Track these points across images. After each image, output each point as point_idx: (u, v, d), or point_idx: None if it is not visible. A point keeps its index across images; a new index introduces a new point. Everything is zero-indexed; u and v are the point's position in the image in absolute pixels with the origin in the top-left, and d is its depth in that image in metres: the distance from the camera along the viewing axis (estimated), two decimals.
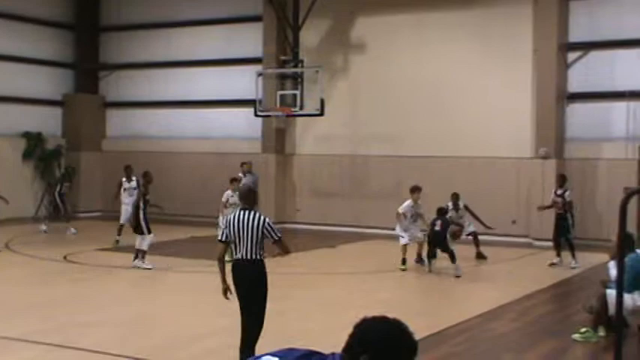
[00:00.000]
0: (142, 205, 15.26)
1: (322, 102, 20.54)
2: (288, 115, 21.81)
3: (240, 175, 20.01)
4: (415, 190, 16.02)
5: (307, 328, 10.34)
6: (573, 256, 15.98)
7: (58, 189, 21.29)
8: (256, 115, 21.71)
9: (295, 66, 21.92)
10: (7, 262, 16.36)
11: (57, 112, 26.14)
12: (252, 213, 7.93)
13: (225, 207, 15.90)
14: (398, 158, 21.53)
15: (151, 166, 23.02)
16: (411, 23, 21.52)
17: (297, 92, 21.39)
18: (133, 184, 18.52)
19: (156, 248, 17.91)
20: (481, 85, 20.64)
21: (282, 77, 22.67)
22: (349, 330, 3.00)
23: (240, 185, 7.93)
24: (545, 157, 19.60)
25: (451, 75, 20.94)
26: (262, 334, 8.22)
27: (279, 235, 8.06)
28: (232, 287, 8.22)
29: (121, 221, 18.21)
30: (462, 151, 20.75)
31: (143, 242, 15.15)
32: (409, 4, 21.57)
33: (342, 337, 3.02)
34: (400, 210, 15.83)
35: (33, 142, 24.76)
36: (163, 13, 25.42)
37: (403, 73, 21.58)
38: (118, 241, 18.08)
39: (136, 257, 15.13)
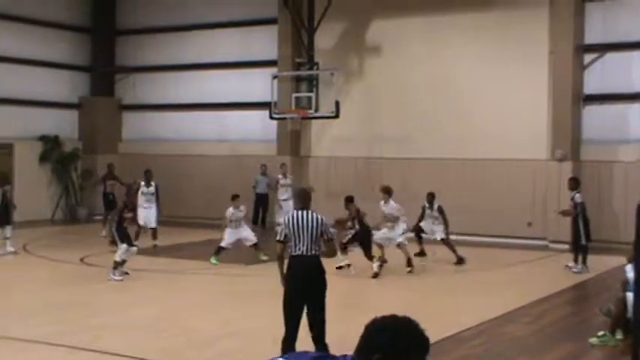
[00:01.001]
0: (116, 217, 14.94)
1: (337, 104, 20.55)
2: (303, 118, 21.82)
3: (280, 176, 20.18)
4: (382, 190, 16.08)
5: None
6: (582, 260, 15.76)
7: (102, 187, 21.34)
8: (272, 118, 21.75)
9: (310, 68, 21.94)
10: (25, 264, 16.48)
11: (73, 115, 26.30)
12: (309, 212, 8.33)
13: (226, 225, 16.07)
14: (413, 160, 21.50)
15: (166, 169, 23.25)
16: (427, 25, 21.48)
17: (313, 95, 21.41)
18: (152, 189, 18.56)
19: (172, 251, 18.01)
20: (497, 88, 20.58)
21: (298, 80, 22.68)
22: (356, 335, 3.00)
23: (298, 189, 8.44)
24: (561, 160, 19.50)
25: (467, 77, 20.88)
26: (276, 337, 8.21)
27: (332, 235, 8.47)
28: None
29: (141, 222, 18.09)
30: (477, 153, 20.69)
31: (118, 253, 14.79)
32: (425, 6, 21.54)
33: (356, 341, 3.03)
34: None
35: (50, 145, 24.93)
36: (179, 16, 25.52)
37: (418, 75, 21.54)
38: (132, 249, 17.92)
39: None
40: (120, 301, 12.90)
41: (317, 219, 8.29)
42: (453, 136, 21.02)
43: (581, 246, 15.81)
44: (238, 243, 16.38)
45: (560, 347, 9.94)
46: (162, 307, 12.24)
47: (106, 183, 21.11)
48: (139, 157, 24.94)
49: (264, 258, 15.78)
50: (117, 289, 13.87)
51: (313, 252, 8.24)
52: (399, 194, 21.64)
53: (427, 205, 17.30)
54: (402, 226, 15.87)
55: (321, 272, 8.29)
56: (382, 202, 15.86)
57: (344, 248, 14.99)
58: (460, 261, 16.63)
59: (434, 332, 8.88)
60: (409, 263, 15.50)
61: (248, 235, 16.52)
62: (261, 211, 22.41)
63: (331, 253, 8.61)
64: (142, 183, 18.55)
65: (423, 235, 17.26)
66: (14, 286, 14.41)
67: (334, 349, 8.41)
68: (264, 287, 14.46)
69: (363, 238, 15.27)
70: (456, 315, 11.61)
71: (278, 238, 8.46)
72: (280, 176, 20.55)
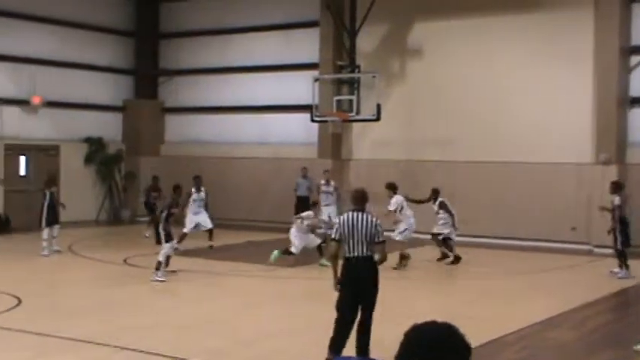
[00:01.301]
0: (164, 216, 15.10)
1: (378, 107, 20.52)
2: (344, 121, 21.84)
3: (323, 182, 20.23)
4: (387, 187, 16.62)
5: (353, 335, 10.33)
6: (620, 264, 15.54)
7: (145, 198, 21.71)
8: (313, 121, 21.80)
9: (352, 71, 21.95)
10: (70, 265, 16.75)
11: (118, 117, 26.66)
12: (364, 214, 8.45)
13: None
14: (454, 163, 21.38)
15: (208, 171, 23.41)
16: (469, 27, 21.37)
17: (354, 97, 21.41)
18: (202, 194, 18.67)
19: (213, 252, 18.15)
20: (540, 90, 20.38)
21: (339, 82, 22.70)
22: (398, 340, 3.00)
23: (355, 189, 8.55)
24: (606, 163, 19.22)
25: (509, 79, 20.72)
26: (315, 341, 8.26)
27: (384, 238, 8.52)
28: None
29: (185, 230, 18.22)
30: (520, 156, 20.50)
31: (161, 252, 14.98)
32: (467, 8, 21.42)
33: (391, 347, 3.02)
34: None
35: (94, 147, 25.30)
36: (221, 19, 25.72)
37: (460, 77, 21.44)
38: (177, 249, 18.11)
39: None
40: (164, 301, 13.05)
41: (371, 221, 8.41)
42: (495, 138, 20.87)
43: (618, 251, 15.57)
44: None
45: (603, 354, 9.81)
46: (205, 307, 12.34)
47: (150, 194, 21.39)
48: (181, 160, 25.21)
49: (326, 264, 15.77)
50: (161, 290, 14.03)
51: (367, 253, 8.37)
52: (443, 195, 21.57)
53: (432, 201, 17.42)
54: (401, 225, 16.32)
55: (373, 274, 8.41)
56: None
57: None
58: (456, 260, 16.81)
59: (476, 336, 8.87)
60: (401, 258, 15.84)
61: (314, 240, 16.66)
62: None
63: (382, 256, 8.61)
64: (193, 190, 18.64)
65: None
66: (60, 286, 14.68)
67: (374, 354, 8.42)
68: (307, 289, 14.54)
69: None
70: (498, 319, 11.52)
71: (333, 236, 8.60)
72: (323, 182, 20.51)
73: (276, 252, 16.17)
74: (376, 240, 8.44)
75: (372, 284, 8.42)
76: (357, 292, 8.44)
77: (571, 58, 20.03)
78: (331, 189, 20.21)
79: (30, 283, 14.11)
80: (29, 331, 10.13)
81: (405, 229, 16.38)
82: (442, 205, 17.28)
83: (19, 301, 12.08)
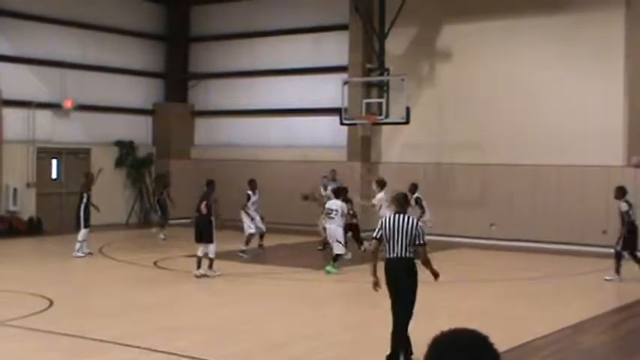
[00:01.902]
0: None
1: (408, 110, 20.47)
2: (373, 124, 21.82)
3: (329, 180, 20.14)
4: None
5: (384, 338, 10.30)
6: (615, 267, 15.15)
7: (158, 195, 22.29)
8: (342, 124, 21.80)
9: (381, 74, 21.94)
10: (100, 267, 16.89)
11: (148, 120, 26.86)
12: (405, 216, 8.73)
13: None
14: (484, 166, 21.27)
15: (237, 174, 23.51)
16: (498, 29, 21.25)
17: (383, 100, 21.40)
18: (256, 197, 18.74)
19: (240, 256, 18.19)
20: (571, 92, 20.20)
21: (368, 85, 22.72)
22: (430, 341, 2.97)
23: (396, 193, 8.94)
24: (637, 166, 19.00)
25: (539, 81, 20.56)
26: (345, 341, 8.25)
27: (425, 241, 8.75)
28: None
29: (252, 231, 18.34)
30: (550, 159, 20.33)
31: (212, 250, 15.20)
32: (496, 10, 21.30)
33: (423, 350, 3.00)
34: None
35: (125, 150, 25.52)
36: (250, 23, 25.82)
37: (489, 80, 21.31)
38: (245, 251, 18.21)
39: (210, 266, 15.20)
40: (194, 304, 13.11)
41: (412, 223, 8.68)
42: (525, 141, 20.72)
43: (616, 252, 15.28)
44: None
45: (635, 359, 9.68)
46: (236, 310, 12.38)
47: (163, 193, 22.16)
48: (211, 163, 25.33)
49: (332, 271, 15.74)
50: (191, 293, 14.10)
51: (407, 254, 8.61)
52: (470, 199, 21.49)
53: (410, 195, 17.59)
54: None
55: (412, 274, 8.64)
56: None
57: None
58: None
59: (506, 340, 8.79)
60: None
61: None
62: None
63: (423, 258, 8.79)
64: (250, 192, 18.71)
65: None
66: (91, 288, 14.80)
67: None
68: (337, 292, 14.53)
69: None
70: (528, 323, 11.42)
71: (374, 235, 8.87)
72: (329, 181, 20.21)
73: (328, 267, 15.80)
74: (417, 242, 8.66)
75: (409, 286, 8.63)
76: (397, 290, 8.71)
77: (601, 59, 19.83)
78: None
79: (61, 285, 14.25)
80: (60, 333, 10.23)
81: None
82: (417, 201, 17.64)
83: (51, 303, 12.21)
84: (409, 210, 14.81)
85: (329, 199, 17.62)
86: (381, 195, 17.33)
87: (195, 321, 11.38)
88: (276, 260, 17.57)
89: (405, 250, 8.60)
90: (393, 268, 8.68)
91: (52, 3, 23.64)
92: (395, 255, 8.62)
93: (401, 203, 8.95)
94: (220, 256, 17.35)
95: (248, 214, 18.21)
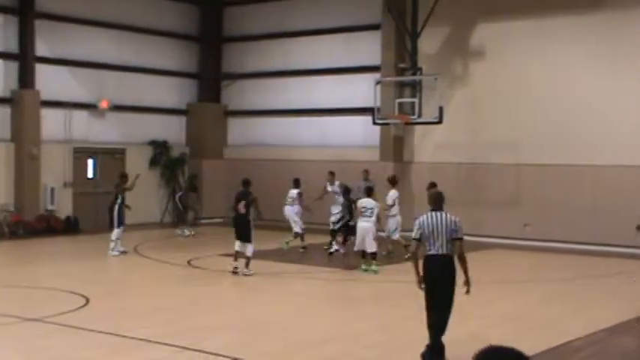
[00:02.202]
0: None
1: (441, 109, 20.40)
2: (406, 123, 21.78)
3: (328, 183, 20.17)
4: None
5: (418, 339, 10.28)
6: None
7: (178, 194, 22.96)
8: (375, 123, 21.79)
9: (414, 74, 21.88)
10: (135, 266, 17.06)
11: (181, 120, 27.05)
12: (443, 214, 8.86)
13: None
14: (517, 166, 21.11)
15: (270, 174, 23.61)
16: (532, 28, 21.07)
17: (416, 100, 21.34)
18: (336, 188, 19.22)
19: (276, 254, 18.28)
20: (606, 91, 19.98)
21: (401, 85, 22.67)
22: (467, 343, 2.96)
23: (433, 191, 9.11)
24: None
25: (574, 80, 20.36)
26: (378, 342, 8.24)
27: (462, 236, 8.86)
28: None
29: (299, 230, 19.06)
30: (586, 158, 20.11)
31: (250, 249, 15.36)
32: (531, 9, 21.12)
33: (459, 351, 3.00)
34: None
35: (159, 150, 25.73)
36: (283, 23, 25.89)
37: (524, 78, 21.15)
38: (305, 247, 18.55)
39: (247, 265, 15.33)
40: (227, 302, 13.18)
41: (451, 220, 8.82)
42: (560, 141, 20.53)
43: None
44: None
45: None
46: (266, 309, 12.42)
47: (186, 192, 23.01)
48: (243, 162, 25.43)
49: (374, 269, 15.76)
50: (223, 291, 14.20)
51: (447, 251, 8.75)
52: (504, 199, 21.33)
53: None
54: (393, 223, 17.39)
55: (451, 271, 8.76)
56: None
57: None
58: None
59: (542, 341, 8.70)
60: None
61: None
62: None
63: (459, 253, 8.86)
64: (294, 191, 19.18)
65: None
66: (126, 286, 14.95)
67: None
68: (369, 292, 14.52)
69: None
70: (565, 324, 11.33)
71: (414, 236, 8.96)
72: (328, 183, 20.27)
73: (373, 267, 15.77)
74: (454, 236, 8.79)
75: (449, 283, 8.76)
76: (434, 290, 8.79)
77: (637, 57, 19.57)
78: (337, 189, 19.92)
79: (97, 284, 14.42)
80: (96, 330, 10.35)
81: (396, 228, 17.53)
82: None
83: (87, 301, 12.36)
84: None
85: (335, 194, 18.68)
86: (392, 192, 17.51)
87: (228, 320, 11.45)
88: (308, 260, 17.60)
89: (445, 247, 8.74)
90: (433, 264, 8.78)
91: (89, 5, 23.92)
92: (436, 252, 8.75)
93: (438, 201, 9.02)
94: (257, 255, 17.44)
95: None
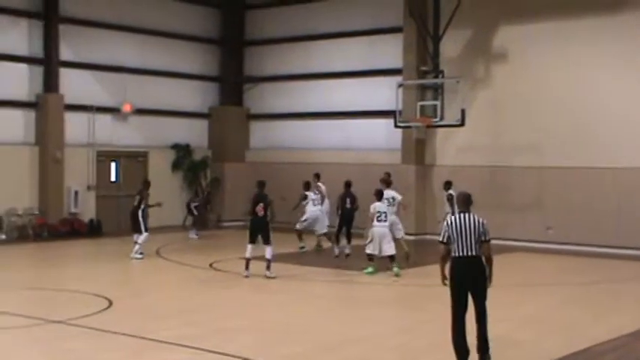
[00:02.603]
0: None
1: (463, 112, 20.35)
2: (428, 126, 21.74)
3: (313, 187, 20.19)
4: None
5: (438, 342, 10.26)
6: None
7: (194, 204, 23.29)
8: (396, 126, 21.77)
9: (436, 76, 21.83)
10: (157, 268, 17.16)
11: (204, 124, 27.17)
12: (470, 215, 8.86)
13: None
14: (540, 169, 20.99)
15: (292, 177, 23.61)
16: (555, 30, 20.95)
17: (438, 103, 21.29)
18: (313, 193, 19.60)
19: (298, 257, 18.32)
20: (628, 92, 19.83)
21: (423, 88, 22.62)
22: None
23: (460, 193, 9.12)
24: None
25: (596, 82, 20.22)
26: (397, 344, 8.24)
27: (490, 237, 8.82)
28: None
29: (324, 231, 19.47)
30: (608, 161, 19.95)
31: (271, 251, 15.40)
32: (552, 11, 21.00)
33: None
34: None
35: (181, 154, 25.86)
36: (304, 26, 25.94)
37: (545, 81, 21.04)
38: (348, 253, 18.33)
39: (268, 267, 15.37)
40: (248, 305, 13.22)
41: (478, 221, 8.81)
42: (580, 143, 20.39)
43: None
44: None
45: None
46: (289, 312, 12.45)
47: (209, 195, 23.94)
48: (266, 166, 25.49)
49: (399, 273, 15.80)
50: (244, 294, 14.23)
51: (475, 253, 8.72)
52: (526, 202, 21.21)
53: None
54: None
55: (482, 272, 8.76)
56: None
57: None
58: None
59: (564, 346, 8.64)
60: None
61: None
62: None
63: (487, 253, 8.84)
64: (309, 194, 19.59)
65: None
66: (148, 289, 15.04)
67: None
68: (387, 295, 14.50)
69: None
70: (587, 328, 11.25)
71: (441, 239, 8.90)
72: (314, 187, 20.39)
73: (395, 269, 15.89)
74: (483, 239, 8.75)
75: (479, 280, 8.77)
76: (466, 290, 8.75)
77: None
78: (318, 194, 19.89)
79: (120, 286, 14.52)
80: (119, 332, 10.43)
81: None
82: (449, 198, 17.94)
83: (110, 303, 12.46)
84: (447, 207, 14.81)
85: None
86: (386, 193, 17.19)
87: (249, 322, 11.48)
88: (329, 263, 17.60)
89: (474, 249, 8.71)
90: (462, 266, 8.74)
91: (112, 10, 24.11)
92: (464, 254, 8.71)
93: (466, 202, 9.02)
94: (278, 258, 17.47)
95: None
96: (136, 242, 17.99)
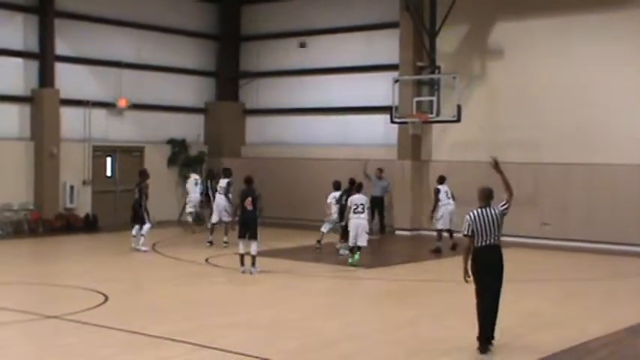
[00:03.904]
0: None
1: (459, 108, 20.36)
2: (424, 122, 21.75)
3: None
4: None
5: (438, 337, 10.26)
6: None
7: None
8: (392, 122, 21.78)
9: (432, 72, 21.83)
10: (153, 264, 17.15)
11: (200, 119, 27.14)
12: (491, 208, 9.55)
13: None
14: (536, 165, 20.99)
15: (288, 172, 23.63)
16: (553, 26, 20.94)
17: (434, 98, 21.31)
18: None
19: (293, 253, 18.32)
20: (628, 89, 19.83)
21: (419, 83, 22.62)
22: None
23: (482, 187, 9.83)
24: None
25: (593, 78, 20.22)
26: (395, 339, 8.23)
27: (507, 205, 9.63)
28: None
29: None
30: (604, 157, 19.97)
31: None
32: (549, 7, 21.00)
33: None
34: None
35: (177, 149, 25.83)
36: (300, 22, 25.91)
37: (543, 77, 21.04)
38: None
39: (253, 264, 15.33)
40: (245, 300, 13.22)
41: (498, 213, 9.51)
42: (579, 140, 20.40)
43: None
44: None
45: None
46: (285, 307, 12.45)
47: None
48: (262, 161, 25.48)
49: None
50: (241, 289, 14.23)
51: (496, 242, 9.40)
52: (522, 198, 21.21)
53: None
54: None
55: (500, 259, 9.41)
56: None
57: None
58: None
59: (558, 342, 8.66)
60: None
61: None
62: (377, 215, 22.46)
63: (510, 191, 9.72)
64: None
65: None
66: (144, 284, 15.04)
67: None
68: (385, 290, 14.51)
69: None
70: (583, 324, 11.26)
71: (466, 233, 9.45)
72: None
73: (356, 256, 16.24)
74: (501, 227, 9.48)
75: (499, 267, 9.37)
76: (489, 275, 9.29)
77: None
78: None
79: (116, 281, 14.50)
80: (114, 328, 10.42)
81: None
82: (436, 192, 18.64)
83: (106, 298, 12.44)
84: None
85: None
86: (357, 197, 16.89)
87: (245, 317, 11.48)
88: (326, 258, 17.60)
89: (497, 239, 9.37)
90: (487, 255, 9.31)
91: (109, 4, 24.05)
92: (488, 243, 9.31)
93: (487, 197, 9.64)
94: (275, 253, 17.46)
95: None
96: (135, 235, 18.06)
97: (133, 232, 18.30)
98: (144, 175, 18.68)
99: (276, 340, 10.05)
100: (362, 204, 16.28)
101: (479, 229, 9.35)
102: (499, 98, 21.80)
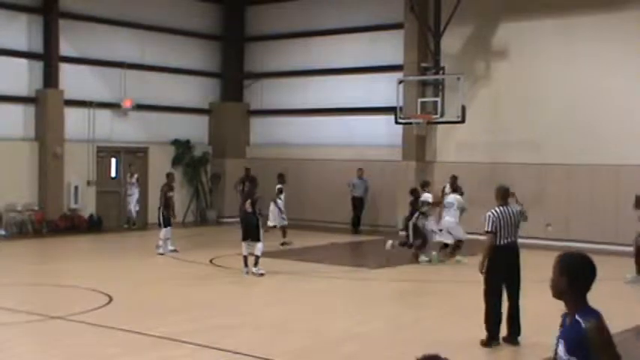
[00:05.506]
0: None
1: (463, 109, 20.33)
2: (428, 123, 21.72)
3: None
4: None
5: (438, 339, 10.25)
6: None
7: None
8: (397, 123, 21.76)
9: (436, 73, 21.81)
10: (157, 264, 17.16)
11: (204, 120, 27.15)
12: (509, 207, 10.13)
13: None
14: (540, 166, 20.96)
15: (292, 173, 23.61)
16: (558, 27, 20.91)
17: (438, 99, 21.29)
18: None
19: (299, 253, 18.31)
20: (630, 90, 19.79)
21: (423, 84, 22.61)
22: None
23: (500, 187, 10.38)
24: None
25: (598, 79, 20.19)
26: (400, 340, 8.22)
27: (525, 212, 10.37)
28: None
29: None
30: (608, 158, 19.92)
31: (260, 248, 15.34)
32: (555, 7, 20.96)
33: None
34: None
35: (182, 149, 25.84)
36: (305, 22, 25.90)
37: (547, 78, 21.01)
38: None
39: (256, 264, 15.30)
40: (248, 301, 13.23)
41: (515, 212, 10.16)
42: (581, 140, 20.36)
43: None
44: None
45: None
46: (289, 308, 12.45)
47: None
48: (266, 162, 25.47)
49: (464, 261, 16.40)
50: (245, 290, 14.23)
51: (515, 239, 10.01)
52: (526, 199, 21.18)
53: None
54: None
55: (518, 255, 10.05)
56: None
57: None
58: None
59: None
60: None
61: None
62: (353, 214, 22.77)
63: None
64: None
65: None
66: (149, 285, 15.03)
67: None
68: (388, 291, 14.50)
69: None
70: None
71: (489, 229, 9.88)
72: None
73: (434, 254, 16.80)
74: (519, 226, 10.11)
75: (518, 263, 10.02)
76: (506, 276, 9.83)
77: None
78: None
79: (120, 282, 14.53)
80: (118, 328, 10.43)
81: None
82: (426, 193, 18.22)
83: (110, 299, 12.46)
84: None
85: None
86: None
87: (248, 318, 11.48)
88: (328, 259, 17.60)
89: (515, 236, 9.98)
90: (506, 252, 9.81)
91: (113, 5, 24.07)
92: (509, 240, 9.87)
93: (505, 196, 10.17)
94: (274, 254, 17.45)
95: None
96: (161, 239, 18.02)
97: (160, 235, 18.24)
98: (167, 177, 18.65)
99: (281, 341, 10.04)
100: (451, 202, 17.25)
101: (501, 225, 9.78)
102: (503, 99, 21.77)
